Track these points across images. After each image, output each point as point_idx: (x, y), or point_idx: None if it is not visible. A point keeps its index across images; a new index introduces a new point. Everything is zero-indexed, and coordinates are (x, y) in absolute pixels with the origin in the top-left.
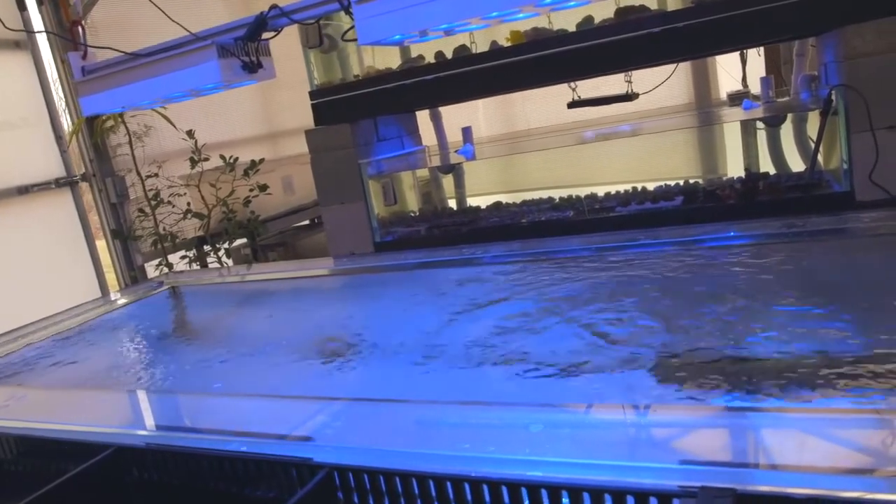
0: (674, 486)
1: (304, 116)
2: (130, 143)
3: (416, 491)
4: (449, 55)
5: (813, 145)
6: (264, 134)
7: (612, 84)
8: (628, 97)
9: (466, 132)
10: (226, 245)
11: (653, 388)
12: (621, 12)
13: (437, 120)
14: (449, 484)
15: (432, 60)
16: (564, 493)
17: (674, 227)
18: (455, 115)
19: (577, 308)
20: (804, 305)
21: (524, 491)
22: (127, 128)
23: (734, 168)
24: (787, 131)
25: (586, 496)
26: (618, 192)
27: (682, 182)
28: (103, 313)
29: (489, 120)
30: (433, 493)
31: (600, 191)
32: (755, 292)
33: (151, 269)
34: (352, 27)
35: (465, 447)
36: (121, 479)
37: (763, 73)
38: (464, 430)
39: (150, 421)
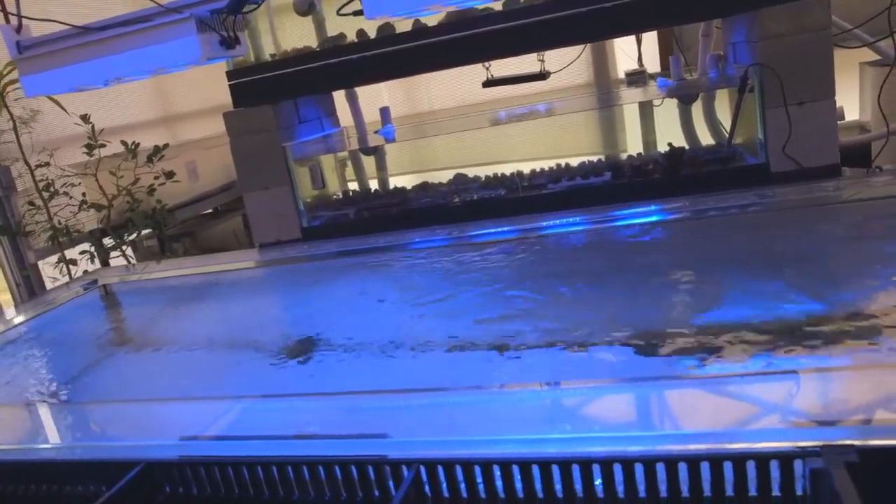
0: (792, 447)
1: (204, 98)
2: (15, 129)
3: (518, 477)
4: (372, 34)
5: (720, 121)
6: (161, 117)
7: (520, 63)
8: (542, 76)
9: (385, 112)
10: (132, 237)
11: None
12: None
13: (353, 100)
14: (556, 467)
15: (354, 39)
16: (682, 465)
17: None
18: (360, 95)
19: None
20: None
21: (639, 467)
22: (10, 112)
23: (635, 144)
24: (696, 108)
25: (705, 465)
26: (543, 170)
27: (602, 158)
28: (37, 315)
29: (393, 100)
30: (536, 475)
31: (523, 168)
32: None
33: (49, 268)
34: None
35: (566, 428)
36: (152, 498)
37: (655, 54)
38: (557, 412)
39: (182, 431)
